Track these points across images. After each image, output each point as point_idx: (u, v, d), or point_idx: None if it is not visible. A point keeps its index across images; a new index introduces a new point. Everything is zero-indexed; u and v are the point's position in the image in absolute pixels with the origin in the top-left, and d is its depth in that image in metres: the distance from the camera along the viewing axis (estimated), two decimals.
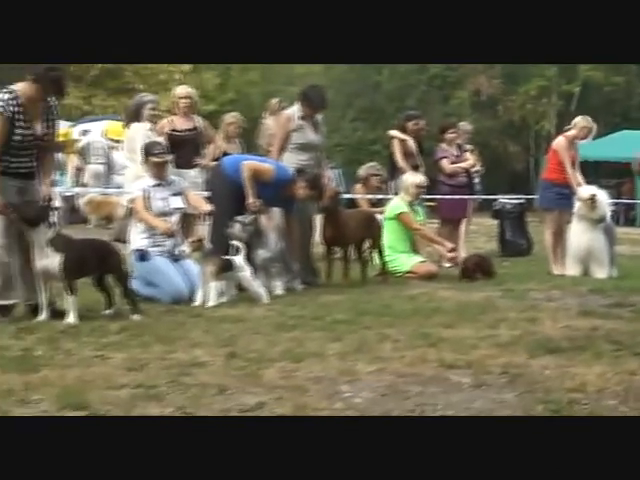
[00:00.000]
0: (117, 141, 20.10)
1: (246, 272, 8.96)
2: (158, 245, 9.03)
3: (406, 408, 4.78)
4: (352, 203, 13.37)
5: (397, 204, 12.00)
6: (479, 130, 15.86)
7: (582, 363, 5.95)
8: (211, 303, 8.52)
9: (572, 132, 11.97)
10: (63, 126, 25.93)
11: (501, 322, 7.74)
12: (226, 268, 8.78)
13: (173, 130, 11.02)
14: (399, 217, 11.82)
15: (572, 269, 11.41)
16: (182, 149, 10.62)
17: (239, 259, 8.89)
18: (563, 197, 11.77)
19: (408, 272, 11.56)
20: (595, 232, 11.11)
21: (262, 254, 9.49)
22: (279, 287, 9.61)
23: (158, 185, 9.22)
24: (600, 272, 11.08)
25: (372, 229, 11.29)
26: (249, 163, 9.57)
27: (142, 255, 8.82)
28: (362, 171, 14.48)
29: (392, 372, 5.68)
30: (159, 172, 9.35)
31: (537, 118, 39.63)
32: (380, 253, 11.26)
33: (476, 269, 11.53)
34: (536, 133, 40.16)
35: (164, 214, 9.11)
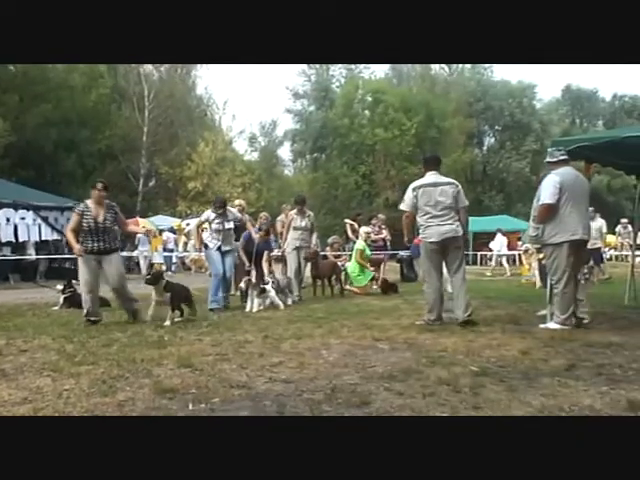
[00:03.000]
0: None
1: (272, 293, 8.90)
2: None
3: (355, 362, 4.74)
4: (324, 257, 13.30)
5: (360, 243, 12.00)
6: (389, 218, 16.20)
7: (445, 337, 5.94)
8: (254, 310, 8.47)
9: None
10: (177, 221, 26.29)
11: (402, 316, 7.69)
12: (262, 292, 8.74)
13: None
14: (357, 251, 11.79)
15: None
16: (238, 231, 10.54)
17: (269, 287, 8.84)
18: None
19: (358, 288, 11.47)
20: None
21: (279, 285, 9.38)
22: (289, 301, 9.48)
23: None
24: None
25: (336, 270, 11.29)
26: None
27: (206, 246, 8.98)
28: (330, 240, 14.48)
29: (348, 344, 5.64)
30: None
31: None
32: (340, 282, 11.24)
33: (389, 289, 11.55)
34: None
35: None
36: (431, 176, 6.98)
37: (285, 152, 51.70)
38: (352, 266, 11.79)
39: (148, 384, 4.04)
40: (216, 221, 9.01)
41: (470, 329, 6.38)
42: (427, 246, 6.89)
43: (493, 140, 51.90)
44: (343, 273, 11.79)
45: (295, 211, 10.72)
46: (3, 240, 15.89)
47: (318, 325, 6.90)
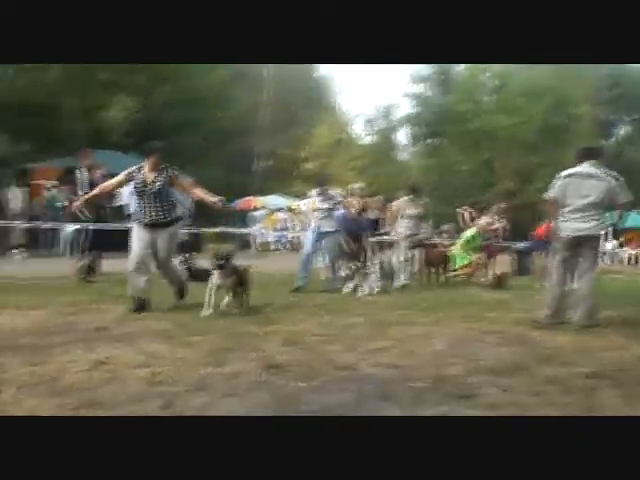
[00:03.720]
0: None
1: (375, 278, 9.00)
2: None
3: (462, 353, 4.64)
4: (434, 245, 13.01)
5: (470, 231, 11.70)
6: (507, 209, 15.74)
7: (559, 335, 5.65)
8: (360, 294, 8.55)
9: None
10: (291, 201, 26.66)
11: (514, 310, 7.36)
12: (368, 276, 8.80)
13: None
14: (464, 238, 11.53)
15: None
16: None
17: (374, 271, 8.94)
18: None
19: (461, 267, 11.21)
20: None
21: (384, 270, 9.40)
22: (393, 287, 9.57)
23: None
24: None
25: (445, 259, 11.17)
26: None
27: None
28: (444, 227, 14.30)
29: (456, 335, 5.52)
30: None
31: None
32: (446, 271, 11.11)
33: (502, 283, 11.13)
34: None
35: None
36: (586, 166, 6.44)
37: (402, 136, 51.31)
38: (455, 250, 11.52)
39: (255, 358, 4.18)
40: (317, 200, 9.21)
41: (587, 329, 6.07)
42: (559, 239, 6.59)
43: (629, 129, 48.87)
44: None
45: (407, 198, 10.64)
46: (131, 211, 17.07)
47: (426, 313, 6.81)
